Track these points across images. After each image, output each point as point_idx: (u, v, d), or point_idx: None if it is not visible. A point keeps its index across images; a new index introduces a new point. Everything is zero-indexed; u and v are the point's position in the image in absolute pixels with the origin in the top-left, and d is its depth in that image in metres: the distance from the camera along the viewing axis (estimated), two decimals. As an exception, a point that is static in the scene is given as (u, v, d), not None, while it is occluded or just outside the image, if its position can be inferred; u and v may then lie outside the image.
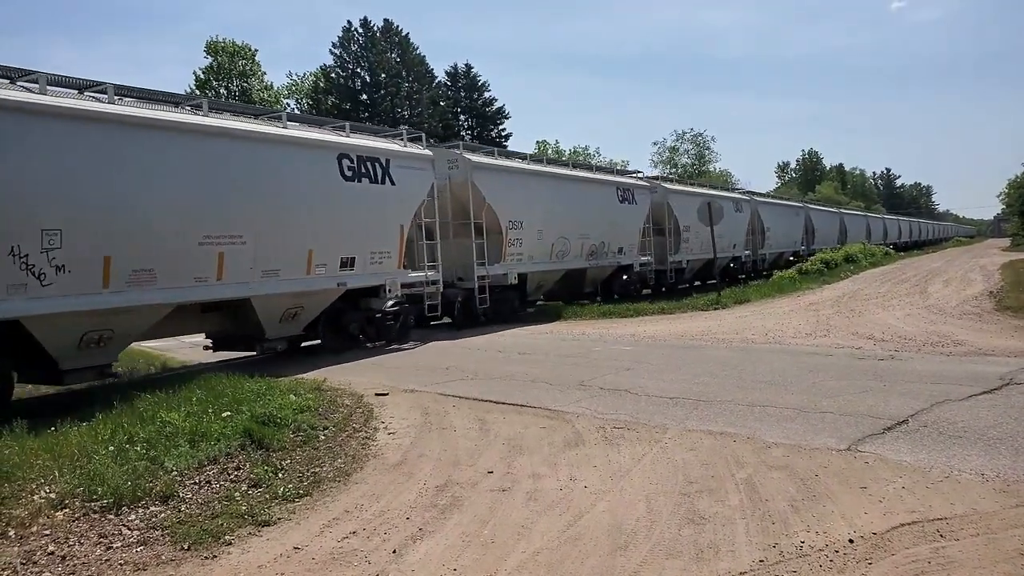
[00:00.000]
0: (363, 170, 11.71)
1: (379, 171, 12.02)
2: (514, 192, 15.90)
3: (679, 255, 22.82)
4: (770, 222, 30.97)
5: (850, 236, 42.75)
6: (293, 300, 10.73)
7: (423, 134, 14.37)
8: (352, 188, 11.46)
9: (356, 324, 12.22)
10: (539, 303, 18.81)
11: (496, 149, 18.17)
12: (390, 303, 12.38)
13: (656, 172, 57.78)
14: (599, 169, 22.37)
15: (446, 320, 14.95)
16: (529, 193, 16.38)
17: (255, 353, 11.22)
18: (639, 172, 26.48)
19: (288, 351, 11.43)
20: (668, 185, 23.90)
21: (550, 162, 19.85)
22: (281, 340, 10.94)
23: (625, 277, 20.18)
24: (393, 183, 12.24)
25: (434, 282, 13.49)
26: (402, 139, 13.23)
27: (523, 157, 18.25)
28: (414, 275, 13.03)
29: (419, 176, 12.99)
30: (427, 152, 13.54)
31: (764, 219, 30.37)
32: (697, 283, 25.70)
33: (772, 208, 32.85)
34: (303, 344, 11.99)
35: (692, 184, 30.24)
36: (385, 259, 12.17)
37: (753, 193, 34.66)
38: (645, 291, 21.65)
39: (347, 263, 11.43)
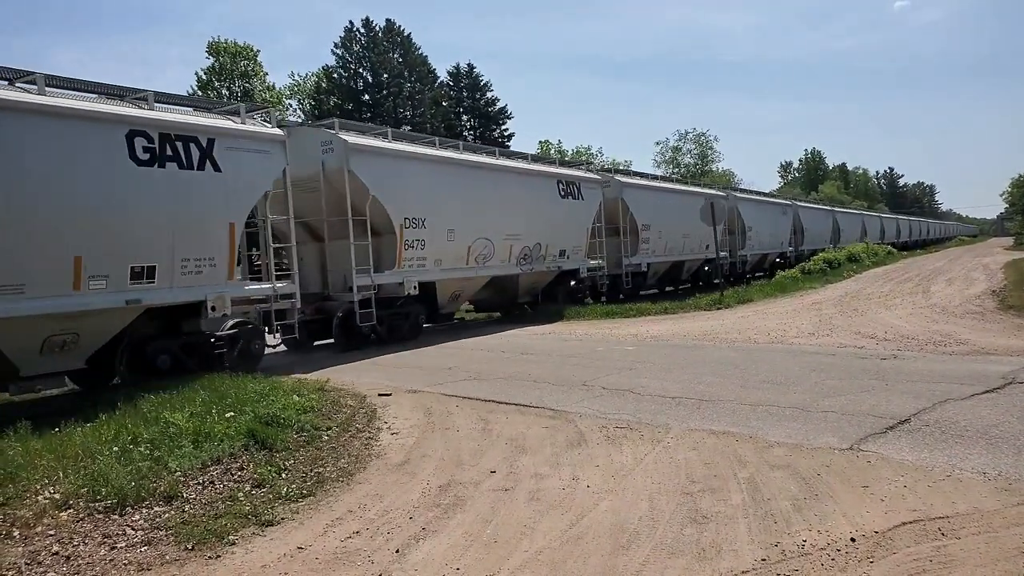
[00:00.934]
0: (169, 152, 9.15)
1: (195, 154, 9.45)
2: (412, 183, 13.21)
3: (637, 257, 20.54)
4: (752, 221, 28.36)
5: (844, 236, 40.11)
6: (58, 324, 8.19)
7: (271, 108, 12.58)
8: (149, 175, 8.90)
9: (167, 355, 9.50)
10: (459, 316, 17.03)
11: (390, 130, 14.35)
12: (229, 324, 10.13)
13: (660, 171, 57.82)
14: (536, 159, 19.31)
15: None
16: (435, 185, 13.72)
17: (8, 394, 8.65)
18: (589, 163, 25.99)
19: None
20: (624, 178, 21.74)
21: (468, 149, 16.33)
22: (52, 377, 8.55)
23: (573, 283, 18.10)
24: (218, 169, 9.67)
25: (288, 295, 10.78)
26: (238, 115, 10.54)
27: (432, 142, 15.25)
28: (253, 287, 10.48)
29: (260, 160, 10.31)
30: (275, 130, 10.84)
31: (745, 217, 27.74)
32: (669, 288, 24.04)
33: (754, 205, 30.08)
34: (112, 382, 9.59)
35: (653, 178, 26.60)
36: (206, 267, 9.56)
37: (734, 189, 33.13)
38: (601, 299, 19.31)
39: (142, 273, 8.87)
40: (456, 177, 14.40)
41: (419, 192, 13.35)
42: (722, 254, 27.41)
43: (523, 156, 18.65)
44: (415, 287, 13.14)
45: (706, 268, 25.56)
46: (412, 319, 13.70)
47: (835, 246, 34.99)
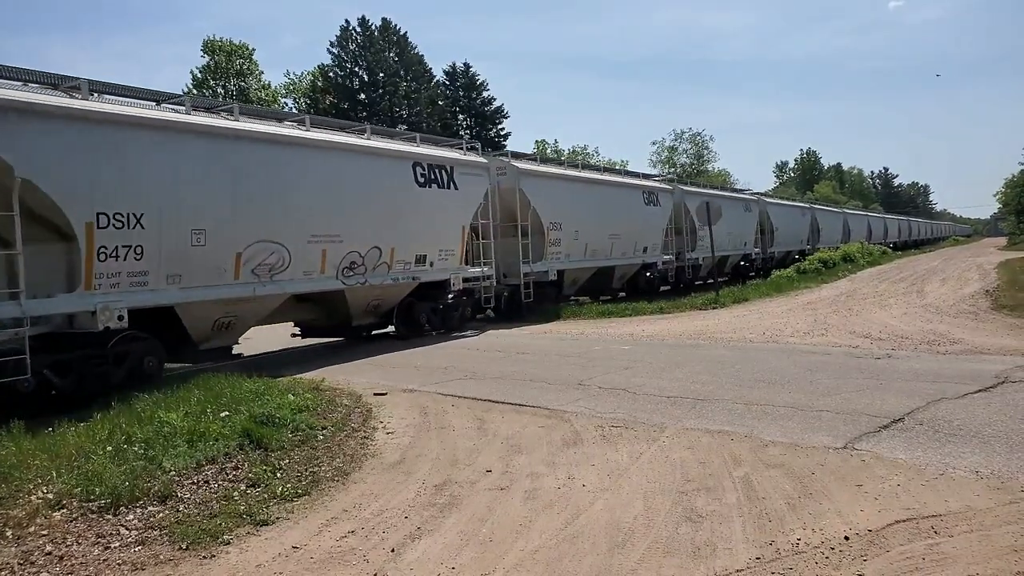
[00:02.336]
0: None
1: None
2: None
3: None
4: (779, 222, 32.35)
5: (853, 236, 43.76)
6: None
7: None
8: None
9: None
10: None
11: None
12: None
13: (655, 172, 57.84)
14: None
15: (489, 313, 16.47)
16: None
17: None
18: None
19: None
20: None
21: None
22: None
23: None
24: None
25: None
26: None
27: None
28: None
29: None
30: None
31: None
32: (710, 280, 25.64)
33: (780, 209, 34.40)
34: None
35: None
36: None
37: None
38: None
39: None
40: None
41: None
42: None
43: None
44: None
45: (742, 263, 28.45)
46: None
47: (813, 247, 35.09)
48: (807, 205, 41.58)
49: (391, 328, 13.45)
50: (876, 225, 55.58)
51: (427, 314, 13.64)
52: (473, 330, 14.30)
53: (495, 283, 15.22)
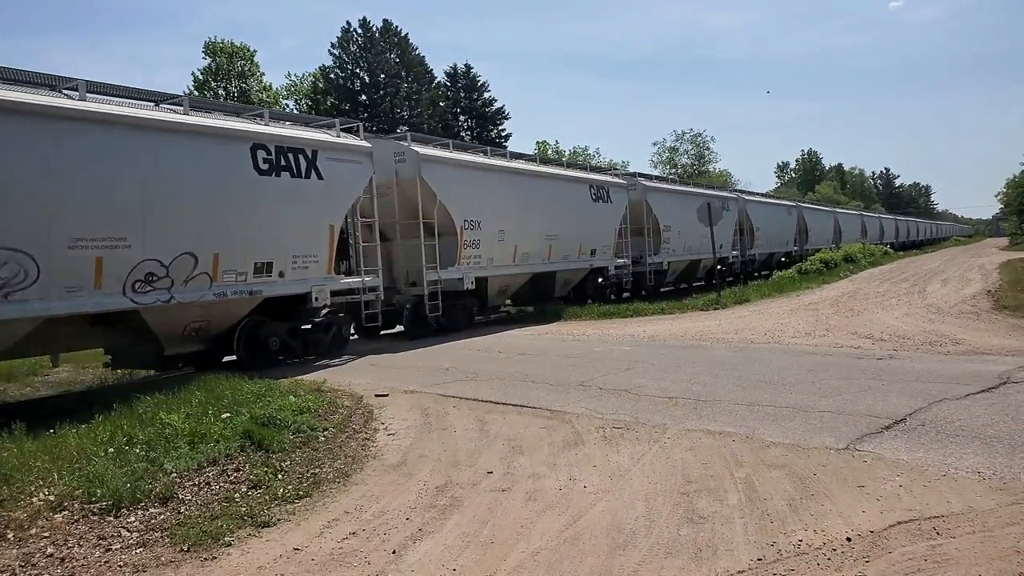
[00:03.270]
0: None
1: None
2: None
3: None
4: (759, 222, 29.94)
5: (845, 236, 42.18)
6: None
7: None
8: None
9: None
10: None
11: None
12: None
13: (658, 172, 57.84)
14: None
15: (400, 328, 14.09)
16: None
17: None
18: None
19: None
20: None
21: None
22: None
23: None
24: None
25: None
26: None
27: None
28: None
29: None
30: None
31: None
32: (683, 285, 25.01)
33: (761, 207, 31.79)
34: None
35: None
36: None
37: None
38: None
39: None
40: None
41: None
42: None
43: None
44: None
45: (719, 267, 25.25)
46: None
47: (800, 249, 34.73)
48: (793, 203, 38.67)
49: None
50: (871, 225, 52.86)
51: (280, 337, 10.83)
52: (348, 355, 11.66)
53: (382, 296, 12.57)
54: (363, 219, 12.27)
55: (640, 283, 21.45)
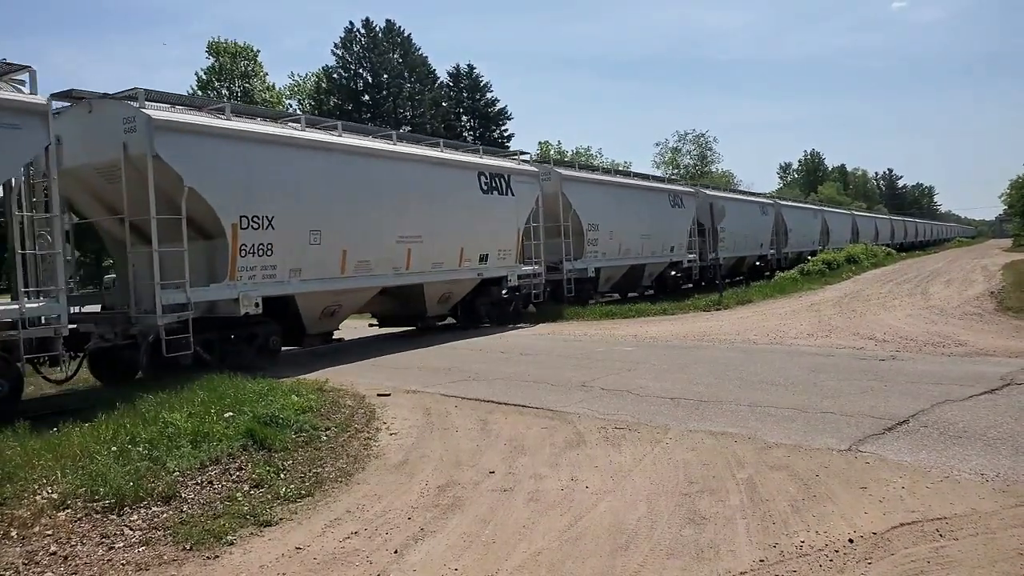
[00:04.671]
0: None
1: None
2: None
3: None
4: (792, 224, 33.08)
5: (862, 237, 43.55)
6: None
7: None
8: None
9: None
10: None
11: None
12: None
13: (660, 173, 57.77)
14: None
15: (531, 309, 16.88)
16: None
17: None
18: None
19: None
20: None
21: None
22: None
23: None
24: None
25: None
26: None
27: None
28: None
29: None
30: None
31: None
32: (728, 279, 26.20)
33: (794, 211, 34.90)
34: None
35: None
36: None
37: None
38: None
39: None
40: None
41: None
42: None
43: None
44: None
45: (758, 263, 28.82)
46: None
47: (824, 248, 34.79)
48: (817, 207, 41.60)
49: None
50: (883, 226, 54.84)
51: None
52: (524, 324, 15.41)
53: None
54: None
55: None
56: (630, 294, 21.88)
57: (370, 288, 12.26)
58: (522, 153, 17.73)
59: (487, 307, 15.36)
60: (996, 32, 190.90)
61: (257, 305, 9.97)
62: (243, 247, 9.89)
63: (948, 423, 5.66)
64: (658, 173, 54.93)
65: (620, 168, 31.49)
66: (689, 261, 23.13)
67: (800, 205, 39.39)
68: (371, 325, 14.98)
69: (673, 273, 22.51)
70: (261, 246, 10.15)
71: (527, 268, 16.13)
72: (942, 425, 5.62)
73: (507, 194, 15.51)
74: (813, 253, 33.63)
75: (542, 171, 17.48)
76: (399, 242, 12.53)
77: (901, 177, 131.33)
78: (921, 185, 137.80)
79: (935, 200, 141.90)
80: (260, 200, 10.10)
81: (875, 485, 4.44)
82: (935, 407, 6.18)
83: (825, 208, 42.21)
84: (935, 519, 3.89)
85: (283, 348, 11.21)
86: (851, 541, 3.69)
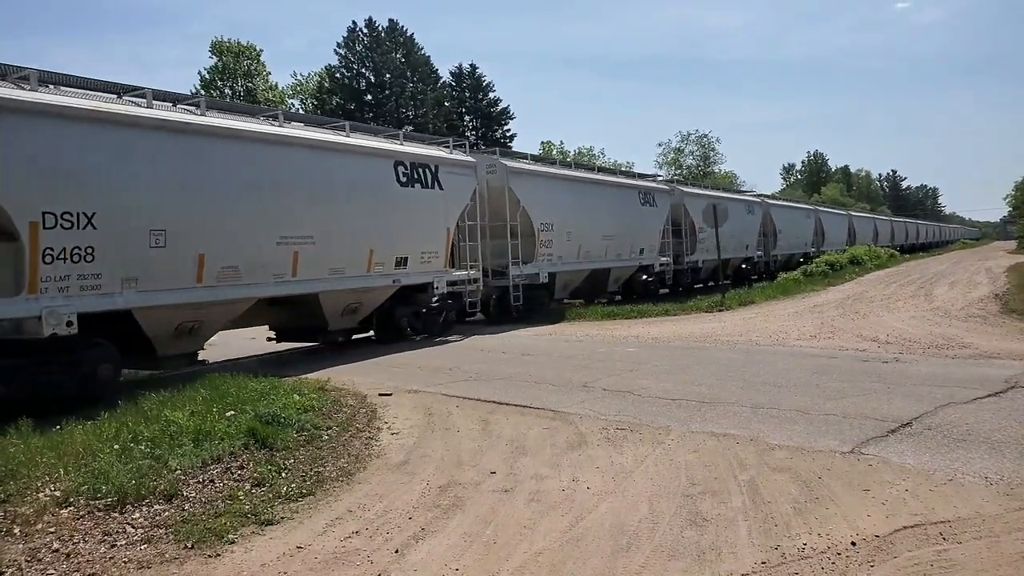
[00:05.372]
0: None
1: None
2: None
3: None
4: (782, 224, 30.78)
5: (858, 238, 42.18)
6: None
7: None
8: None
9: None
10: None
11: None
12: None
13: (663, 173, 57.74)
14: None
15: (479, 316, 15.66)
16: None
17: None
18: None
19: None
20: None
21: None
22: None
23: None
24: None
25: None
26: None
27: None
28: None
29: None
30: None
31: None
32: (711, 283, 25.38)
33: (783, 210, 32.71)
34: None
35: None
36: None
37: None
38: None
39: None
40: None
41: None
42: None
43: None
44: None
45: (743, 266, 26.64)
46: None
47: (818, 250, 33.65)
48: (811, 207, 39.14)
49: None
50: (882, 228, 53.30)
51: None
52: (458, 335, 13.52)
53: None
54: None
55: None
56: (612, 297, 20.15)
57: (242, 300, 9.90)
58: (457, 141, 15.03)
59: (410, 318, 13.16)
60: (1000, 32, 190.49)
61: (70, 324, 7.71)
62: (48, 251, 7.63)
63: (952, 426, 5.65)
64: (660, 168, 54.80)
65: (582, 162, 26.31)
66: (662, 265, 21.01)
67: (791, 204, 36.66)
68: (269, 339, 12.42)
69: (644, 277, 20.47)
70: (77, 250, 7.88)
71: (460, 273, 14.09)
72: (946, 428, 5.60)
73: (433, 187, 13.14)
74: (806, 256, 32.85)
75: (486, 162, 15.44)
76: (281, 244, 10.22)
77: (905, 178, 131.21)
78: (925, 186, 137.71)
79: (939, 202, 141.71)
80: (74, 192, 7.91)
81: (878, 487, 4.43)
82: (939, 410, 6.16)
83: (819, 208, 39.92)
84: (939, 522, 3.87)
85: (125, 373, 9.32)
86: (854, 544, 3.67)
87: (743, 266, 27.03)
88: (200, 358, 9.92)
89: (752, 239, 27.68)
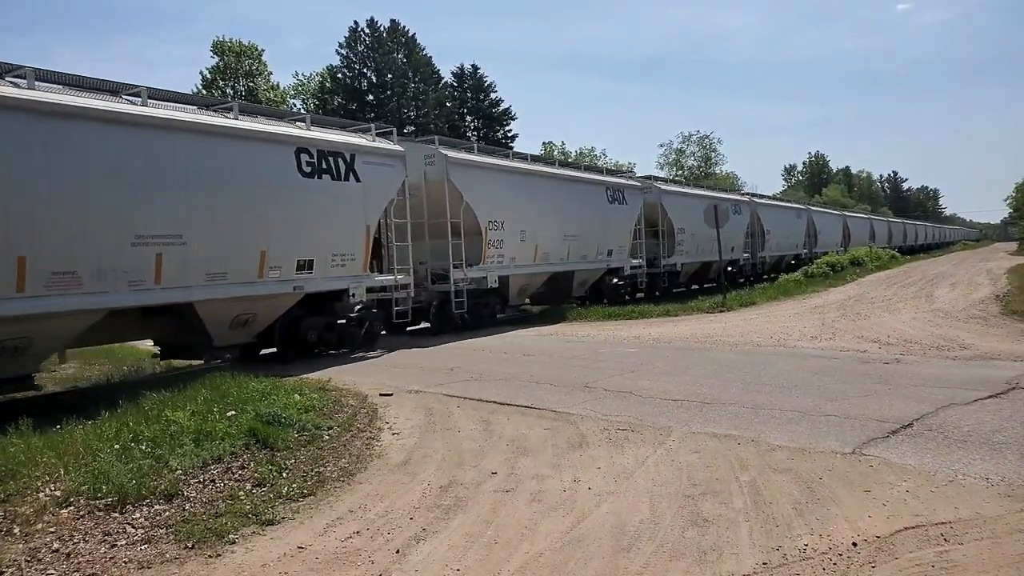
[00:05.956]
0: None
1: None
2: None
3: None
4: (771, 225, 29.28)
5: (854, 240, 41.31)
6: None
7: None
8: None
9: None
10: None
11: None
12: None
13: (663, 174, 57.72)
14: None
15: (425, 325, 14.58)
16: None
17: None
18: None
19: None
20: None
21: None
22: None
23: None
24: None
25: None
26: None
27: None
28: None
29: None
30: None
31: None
32: (694, 287, 24.51)
33: (772, 210, 31.00)
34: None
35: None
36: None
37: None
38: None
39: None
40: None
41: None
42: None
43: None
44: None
45: (729, 268, 24.46)
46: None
47: (810, 252, 33.17)
48: (803, 207, 37.19)
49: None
50: (880, 228, 51.93)
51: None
52: (382, 350, 11.97)
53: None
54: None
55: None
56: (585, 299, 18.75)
57: (84, 311, 8.17)
58: (384, 127, 13.24)
59: (321, 331, 11.33)
60: (1002, 33, 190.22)
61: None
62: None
63: (953, 427, 5.64)
64: (662, 169, 54.49)
65: (537, 156, 21.97)
66: (633, 267, 19.59)
67: (781, 204, 34.94)
68: (153, 356, 11.05)
69: (615, 281, 19.04)
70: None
71: (384, 278, 12.29)
72: (947, 429, 5.59)
73: (347, 179, 11.35)
74: (797, 258, 31.96)
75: (423, 152, 13.90)
76: (139, 245, 8.55)
77: (906, 180, 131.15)
78: (926, 188, 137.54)
79: (940, 203, 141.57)
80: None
81: (879, 488, 4.42)
82: (940, 411, 6.15)
83: (812, 208, 38.11)
84: (940, 523, 3.87)
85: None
86: (855, 545, 3.67)
87: (729, 269, 25.01)
88: (36, 383, 8.49)
89: (739, 240, 26.16)
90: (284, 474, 5.24)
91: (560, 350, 11.41)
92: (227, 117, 10.08)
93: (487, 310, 15.09)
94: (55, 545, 4.05)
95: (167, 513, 4.52)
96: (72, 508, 4.49)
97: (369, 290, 11.89)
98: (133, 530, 4.29)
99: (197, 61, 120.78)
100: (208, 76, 42.24)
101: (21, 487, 4.70)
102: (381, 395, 7.94)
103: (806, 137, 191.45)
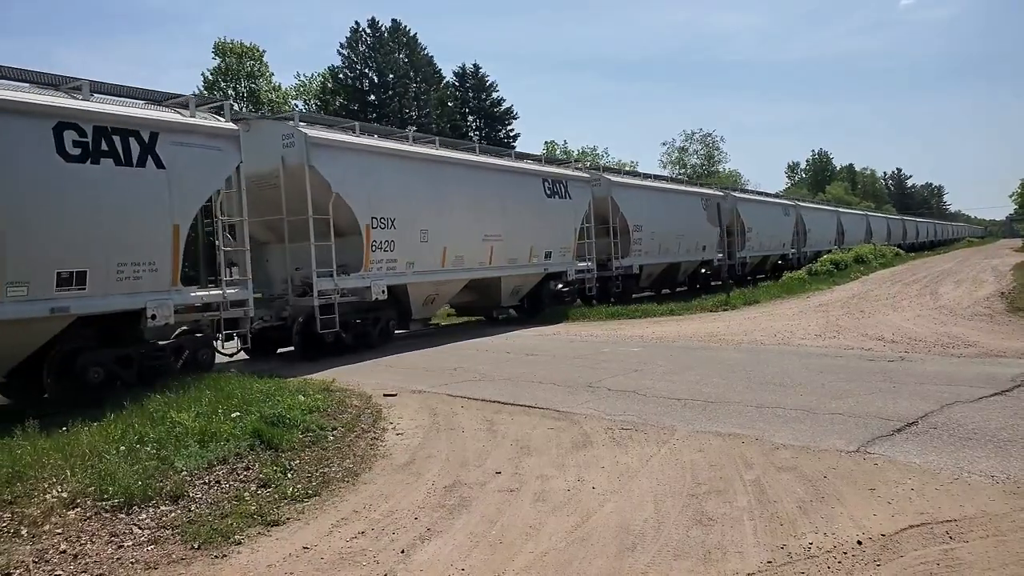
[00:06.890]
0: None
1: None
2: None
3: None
4: (752, 221, 26.72)
5: (848, 238, 38.52)
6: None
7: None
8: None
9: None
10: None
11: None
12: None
13: (666, 172, 57.65)
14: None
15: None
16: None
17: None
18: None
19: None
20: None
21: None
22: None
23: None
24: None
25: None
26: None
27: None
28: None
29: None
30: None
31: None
32: (665, 291, 22.82)
33: (754, 206, 28.43)
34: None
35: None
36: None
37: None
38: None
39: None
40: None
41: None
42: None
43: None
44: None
45: (702, 270, 23.26)
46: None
47: (799, 251, 31.46)
48: (791, 202, 33.91)
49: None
50: (878, 226, 48.29)
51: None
52: (380, 351, 11.86)
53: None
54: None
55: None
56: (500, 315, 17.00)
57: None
58: (209, 99, 11.41)
59: (109, 367, 8.58)
60: (1005, 30, 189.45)
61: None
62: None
63: (958, 425, 5.63)
64: (664, 168, 54.09)
65: (657, 175, 23.88)
66: (579, 271, 17.37)
67: (765, 199, 31.14)
68: None
69: (559, 287, 16.99)
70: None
71: (203, 293, 9.56)
72: (952, 427, 5.58)
73: (143, 165, 8.67)
74: (783, 258, 30.05)
75: (281, 131, 11.39)
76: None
77: (910, 177, 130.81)
78: (930, 185, 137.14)
79: (944, 200, 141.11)
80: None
81: (884, 487, 4.42)
82: (945, 408, 6.14)
83: (800, 204, 35.22)
84: (945, 521, 3.86)
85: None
86: (860, 543, 3.67)
87: (702, 270, 23.44)
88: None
89: (711, 239, 23.56)
90: (289, 475, 5.26)
91: (563, 350, 11.41)
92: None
93: (376, 327, 12.41)
94: (62, 546, 4.07)
95: (173, 514, 4.54)
96: (79, 509, 4.52)
97: (182, 309, 9.15)
98: (140, 531, 4.31)
99: (201, 63, 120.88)
100: (210, 78, 42.33)
101: (28, 489, 4.72)
102: (385, 395, 7.95)
103: (810, 135, 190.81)
